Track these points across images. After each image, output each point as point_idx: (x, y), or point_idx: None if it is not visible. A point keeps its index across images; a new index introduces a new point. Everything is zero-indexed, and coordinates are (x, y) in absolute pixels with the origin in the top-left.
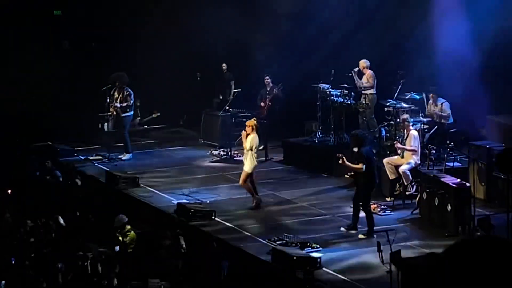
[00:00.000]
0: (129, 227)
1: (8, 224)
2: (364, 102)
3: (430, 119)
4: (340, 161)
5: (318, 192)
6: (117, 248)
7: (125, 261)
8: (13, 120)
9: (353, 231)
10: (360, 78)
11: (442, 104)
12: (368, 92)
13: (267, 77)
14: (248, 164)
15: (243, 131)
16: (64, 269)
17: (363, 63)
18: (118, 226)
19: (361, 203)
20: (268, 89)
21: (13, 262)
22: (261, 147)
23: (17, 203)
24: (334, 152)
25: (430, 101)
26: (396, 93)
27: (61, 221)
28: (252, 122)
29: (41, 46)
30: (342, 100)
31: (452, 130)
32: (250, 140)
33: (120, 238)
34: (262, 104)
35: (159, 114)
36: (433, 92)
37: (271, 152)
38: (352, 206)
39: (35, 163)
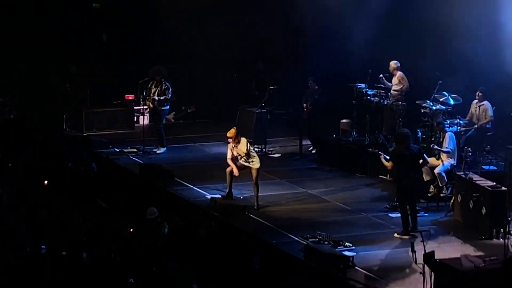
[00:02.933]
0: (159, 220)
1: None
2: (400, 103)
3: (468, 120)
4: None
5: (352, 191)
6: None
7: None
8: (51, 111)
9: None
10: (390, 80)
11: (485, 106)
12: (396, 93)
13: (312, 80)
14: (255, 161)
15: (228, 144)
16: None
17: (393, 64)
18: (150, 218)
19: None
20: (312, 91)
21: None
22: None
23: (55, 194)
24: (368, 152)
25: (476, 101)
26: (433, 94)
27: (103, 205)
28: (231, 133)
29: (80, 38)
30: (378, 100)
31: (490, 133)
32: (244, 144)
33: (152, 228)
34: (305, 105)
35: (194, 109)
36: (481, 91)
37: (305, 150)
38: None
39: (70, 154)
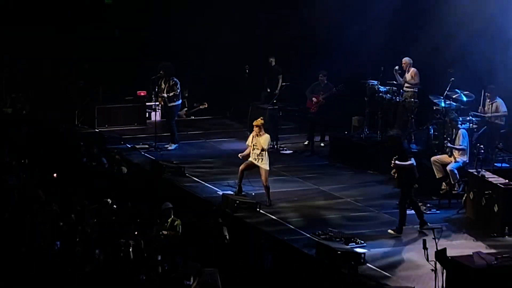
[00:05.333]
0: (173, 217)
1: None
2: (412, 100)
3: (480, 118)
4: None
5: (364, 188)
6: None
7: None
8: (64, 106)
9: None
10: (402, 76)
11: (497, 103)
12: (409, 89)
13: (322, 74)
14: (266, 162)
15: (253, 131)
16: (103, 256)
17: (407, 60)
18: (164, 213)
19: (400, 200)
20: (322, 85)
21: (57, 247)
22: (306, 142)
23: (64, 188)
24: (381, 149)
25: (488, 100)
26: (446, 91)
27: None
28: (259, 121)
29: (92, 34)
30: (390, 96)
31: (502, 130)
32: (266, 140)
33: (166, 225)
34: (314, 99)
35: (206, 105)
36: (490, 91)
37: (317, 147)
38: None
39: (83, 150)
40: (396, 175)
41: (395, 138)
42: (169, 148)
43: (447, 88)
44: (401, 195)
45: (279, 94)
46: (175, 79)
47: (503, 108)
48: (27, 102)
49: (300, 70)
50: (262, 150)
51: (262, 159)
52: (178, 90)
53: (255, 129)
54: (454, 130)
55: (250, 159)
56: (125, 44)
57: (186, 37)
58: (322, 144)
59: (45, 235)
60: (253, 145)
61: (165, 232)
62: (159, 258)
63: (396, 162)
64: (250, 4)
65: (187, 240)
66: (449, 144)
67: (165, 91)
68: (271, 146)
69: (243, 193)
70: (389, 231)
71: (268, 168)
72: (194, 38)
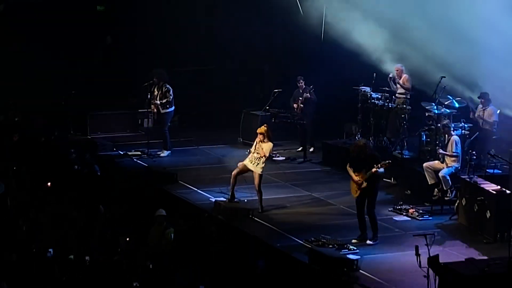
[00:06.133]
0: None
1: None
2: (405, 106)
3: (472, 124)
4: (374, 170)
5: None
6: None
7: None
8: (54, 112)
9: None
10: (396, 83)
11: (490, 109)
12: (401, 96)
13: (301, 79)
14: (260, 167)
15: (257, 137)
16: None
17: (399, 67)
18: (157, 220)
19: (371, 209)
20: (301, 91)
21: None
22: (300, 149)
23: (57, 195)
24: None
25: (480, 106)
26: (438, 98)
27: (102, 210)
28: (263, 129)
29: (84, 41)
30: (383, 103)
31: (494, 137)
32: (269, 148)
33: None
34: (295, 105)
35: (198, 112)
36: (483, 97)
37: (309, 153)
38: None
39: (74, 157)
40: (365, 183)
41: (361, 146)
42: (162, 155)
43: (439, 94)
44: (371, 203)
45: (271, 100)
46: (167, 86)
47: (494, 117)
48: (18, 109)
49: (294, 77)
50: (263, 156)
51: (258, 163)
52: (171, 97)
53: (259, 136)
54: (446, 136)
55: (245, 161)
56: (117, 50)
57: (178, 42)
58: (311, 150)
59: (38, 242)
60: (255, 149)
61: (157, 240)
62: (151, 266)
63: (377, 170)
64: (243, 10)
65: (179, 248)
66: (441, 151)
67: (157, 98)
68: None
69: (235, 199)
70: (353, 240)
71: (260, 173)
72: (186, 45)
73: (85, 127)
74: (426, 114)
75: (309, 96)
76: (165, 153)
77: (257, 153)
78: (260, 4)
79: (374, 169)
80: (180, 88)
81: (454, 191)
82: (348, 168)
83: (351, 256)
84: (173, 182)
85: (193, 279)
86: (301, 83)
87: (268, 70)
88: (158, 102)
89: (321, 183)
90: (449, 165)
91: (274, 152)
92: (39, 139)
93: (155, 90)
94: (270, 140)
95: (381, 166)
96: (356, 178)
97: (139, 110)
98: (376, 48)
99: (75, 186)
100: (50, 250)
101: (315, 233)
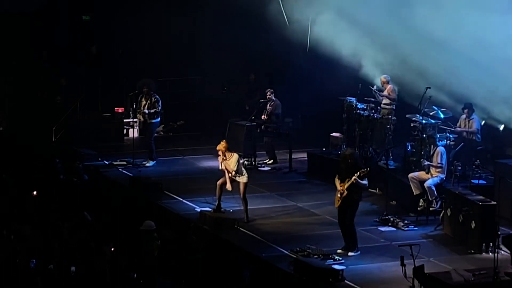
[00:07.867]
0: (155, 235)
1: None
2: (390, 117)
3: (457, 135)
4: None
5: None
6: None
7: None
8: (39, 122)
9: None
10: (379, 94)
11: (473, 120)
12: (386, 106)
13: (269, 92)
14: (243, 176)
15: (218, 157)
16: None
17: (384, 78)
18: (145, 231)
19: (349, 220)
20: (271, 102)
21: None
22: (270, 161)
23: (43, 205)
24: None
25: (464, 116)
26: (423, 109)
27: (88, 217)
28: (221, 146)
29: (70, 51)
30: (368, 113)
31: (479, 147)
32: (234, 162)
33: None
34: (263, 117)
35: (183, 122)
36: (467, 108)
37: (295, 163)
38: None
39: (60, 166)
40: (346, 191)
41: (346, 155)
42: (147, 164)
43: (425, 105)
44: (350, 214)
45: (257, 110)
46: (157, 96)
47: (475, 125)
48: (3, 119)
49: (280, 88)
50: (236, 171)
51: (239, 175)
52: (160, 108)
53: (219, 153)
54: (432, 146)
55: (227, 177)
56: (102, 60)
57: (164, 53)
58: (268, 161)
59: (20, 252)
60: (226, 170)
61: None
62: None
63: (358, 180)
64: (228, 21)
65: (163, 258)
66: (426, 163)
67: (146, 107)
68: (249, 162)
69: (221, 209)
70: (338, 251)
71: (246, 181)
72: (172, 55)
73: (70, 137)
74: (412, 125)
75: (271, 108)
76: (150, 163)
77: (228, 171)
78: (247, 15)
79: (354, 177)
80: (165, 98)
81: (439, 202)
82: (336, 179)
83: (336, 267)
84: (158, 192)
85: None
86: (271, 96)
87: (254, 80)
88: (146, 111)
89: (306, 194)
90: (434, 175)
91: (260, 162)
92: (24, 148)
93: (143, 99)
94: (233, 151)
95: (360, 174)
96: (339, 187)
97: (125, 120)
98: (361, 58)
99: (60, 196)
100: (33, 260)
101: (301, 243)
